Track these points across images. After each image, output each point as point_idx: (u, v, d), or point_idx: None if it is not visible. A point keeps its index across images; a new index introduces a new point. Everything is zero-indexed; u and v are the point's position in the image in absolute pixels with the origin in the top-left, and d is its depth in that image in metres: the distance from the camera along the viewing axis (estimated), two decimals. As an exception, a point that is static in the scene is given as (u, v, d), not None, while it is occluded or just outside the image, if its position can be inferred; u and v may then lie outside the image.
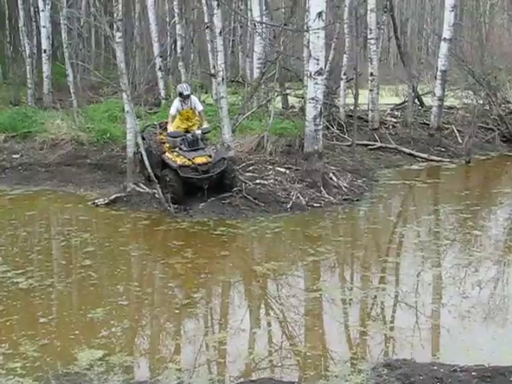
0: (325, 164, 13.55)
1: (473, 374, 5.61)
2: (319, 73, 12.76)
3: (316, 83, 12.76)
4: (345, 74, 19.37)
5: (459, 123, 19.21)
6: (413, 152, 17.41)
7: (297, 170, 13.37)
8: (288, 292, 8.11)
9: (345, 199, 12.60)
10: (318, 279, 8.63)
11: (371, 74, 19.14)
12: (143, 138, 12.54)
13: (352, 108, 17.84)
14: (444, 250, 9.83)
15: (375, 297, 7.91)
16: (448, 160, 17.23)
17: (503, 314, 7.37)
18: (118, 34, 12.17)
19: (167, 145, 12.39)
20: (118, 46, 12.04)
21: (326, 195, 12.51)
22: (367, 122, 19.21)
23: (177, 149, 12.06)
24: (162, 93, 21.30)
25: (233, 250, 9.95)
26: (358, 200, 12.73)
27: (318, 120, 12.89)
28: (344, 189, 13.07)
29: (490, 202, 13.40)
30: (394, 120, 19.96)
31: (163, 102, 20.55)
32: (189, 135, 12.14)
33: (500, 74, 20.06)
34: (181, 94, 12.24)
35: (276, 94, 18.05)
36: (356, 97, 17.22)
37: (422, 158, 17.23)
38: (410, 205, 13.54)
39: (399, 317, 7.32)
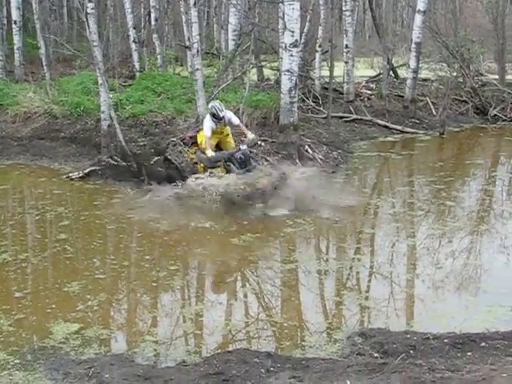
0: (300, 136, 13.57)
1: (445, 341, 5.72)
2: (294, 45, 12.72)
3: (291, 55, 12.72)
4: (320, 46, 19.29)
5: (433, 95, 19.26)
6: (388, 124, 17.48)
7: (272, 142, 13.37)
8: (264, 264, 8.14)
9: (324, 170, 12.66)
10: (294, 251, 8.69)
11: (346, 47, 19.09)
12: (167, 160, 11.47)
13: (327, 80, 17.80)
14: (418, 221, 9.94)
15: (351, 268, 7.99)
16: (422, 132, 17.34)
17: (475, 283, 7.50)
18: (90, 5, 12.01)
19: (201, 165, 11.09)
20: (90, 17, 11.89)
21: (302, 167, 12.53)
22: (342, 94, 19.19)
23: (217, 170, 10.67)
24: (137, 65, 21.02)
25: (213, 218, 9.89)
26: (333, 172, 12.78)
27: (293, 92, 12.87)
28: (319, 161, 13.12)
29: (464, 173, 13.55)
30: (369, 92, 19.96)
31: (137, 74, 20.32)
32: (238, 154, 10.53)
33: (473, 46, 20.09)
34: (215, 116, 10.67)
35: (251, 66, 17.92)
36: (331, 69, 17.19)
37: (396, 129, 17.30)
38: (384, 176, 13.64)
39: (374, 287, 7.41)
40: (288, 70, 12.77)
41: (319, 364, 5.26)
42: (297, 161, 12.64)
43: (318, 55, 19.25)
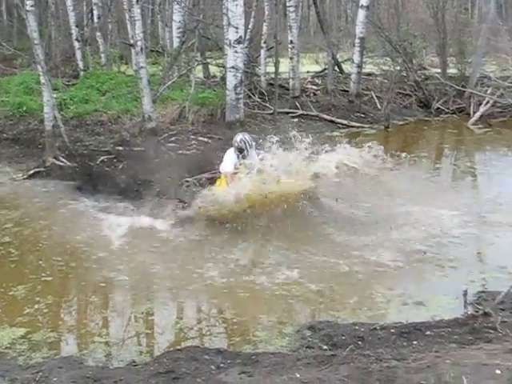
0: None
1: (392, 331, 5.84)
2: (239, 41, 12.77)
3: (236, 52, 12.77)
4: (265, 43, 19.35)
5: (378, 89, 19.50)
6: (333, 119, 17.63)
7: (219, 139, 13.38)
8: (213, 258, 8.14)
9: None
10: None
11: (291, 42, 19.19)
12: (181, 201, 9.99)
13: (273, 76, 17.87)
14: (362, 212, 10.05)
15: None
16: (368, 126, 17.55)
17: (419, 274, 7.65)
18: (30, 2, 11.77)
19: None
20: (30, 14, 11.66)
21: (249, 163, 12.57)
22: (288, 90, 19.28)
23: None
24: (80, 64, 20.71)
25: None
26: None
27: (238, 89, 12.92)
28: (267, 157, 13.15)
29: (409, 165, 13.74)
30: (315, 87, 20.11)
31: (81, 73, 20.04)
32: None
33: (415, 40, 20.43)
34: (241, 151, 9.43)
35: (196, 63, 17.91)
36: (276, 65, 17.26)
37: (342, 124, 17.47)
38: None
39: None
40: (233, 67, 12.83)
41: (269, 358, 5.30)
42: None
43: (263, 51, 19.31)
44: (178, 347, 5.72)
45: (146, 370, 5.11)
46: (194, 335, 6.25)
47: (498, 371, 4.45)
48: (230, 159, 9.49)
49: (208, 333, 6.30)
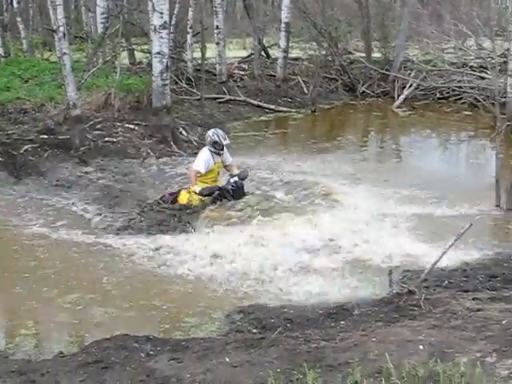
0: (174, 119, 13.52)
1: (320, 312, 5.93)
2: (164, 26, 12.61)
3: (161, 37, 12.61)
4: (191, 28, 19.22)
5: (304, 74, 19.65)
6: (261, 104, 17.71)
7: (146, 125, 13.23)
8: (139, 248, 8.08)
9: (195, 153, 12.65)
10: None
11: (217, 28, 19.11)
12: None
13: (200, 62, 17.78)
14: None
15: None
16: (295, 110, 17.70)
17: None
18: None
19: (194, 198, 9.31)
20: None
21: (177, 150, 12.52)
22: (215, 75, 19.23)
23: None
24: (0, 50, 20.13)
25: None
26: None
27: (164, 75, 12.78)
28: (194, 142, 13.13)
29: (336, 148, 13.95)
30: (242, 73, 20.13)
31: (2, 60, 19.43)
32: (230, 183, 9.16)
33: (340, 25, 20.70)
34: (215, 145, 9.12)
35: (121, 49, 17.61)
36: (203, 50, 17.18)
37: (270, 109, 17.57)
38: (257, 157, 13.69)
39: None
40: (159, 53, 12.66)
41: (198, 344, 5.29)
42: (171, 143, 12.59)
43: (189, 37, 19.18)
44: (107, 336, 5.65)
45: (73, 360, 5.03)
46: (124, 323, 6.17)
47: (421, 347, 4.58)
48: (202, 157, 9.16)
49: (138, 320, 6.24)
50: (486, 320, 5.10)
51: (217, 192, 8.91)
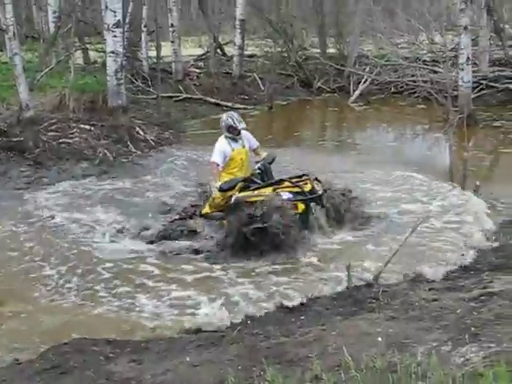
0: (130, 118, 13.42)
1: (280, 308, 5.96)
2: (117, 25, 12.52)
3: (115, 36, 12.52)
4: (145, 26, 19.10)
5: (260, 71, 19.70)
6: (218, 101, 17.69)
7: (102, 126, 13.08)
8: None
9: (152, 151, 12.63)
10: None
11: (172, 26, 19.03)
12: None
13: (155, 60, 17.66)
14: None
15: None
16: (252, 107, 17.72)
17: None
18: None
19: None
20: None
21: (134, 149, 12.43)
22: (171, 73, 19.15)
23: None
24: (-51, 51, 19.66)
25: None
26: (165, 152, 12.80)
27: (119, 74, 12.68)
28: (151, 142, 13.05)
29: (293, 144, 14.00)
30: (198, 71, 20.10)
31: None
32: (256, 169, 8.36)
33: (295, 21, 20.79)
34: (230, 129, 8.26)
35: (75, 48, 17.39)
36: (158, 49, 17.07)
37: (227, 106, 17.48)
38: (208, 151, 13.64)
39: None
40: (113, 52, 12.57)
41: (158, 345, 5.27)
42: (128, 143, 12.49)
43: (143, 35, 19.06)
44: (65, 341, 5.58)
45: (30, 367, 4.94)
46: (82, 327, 6.11)
47: (380, 339, 4.62)
48: (217, 148, 8.26)
49: (95, 322, 6.18)
50: (442, 310, 5.18)
51: (240, 183, 8.03)
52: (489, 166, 11.94)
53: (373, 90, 18.92)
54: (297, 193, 7.86)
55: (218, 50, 21.66)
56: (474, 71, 15.89)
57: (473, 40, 16.60)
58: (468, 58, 14.66)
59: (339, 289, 6.40)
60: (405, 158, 12.84)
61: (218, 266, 7.39)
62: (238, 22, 18.99)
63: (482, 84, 16.98)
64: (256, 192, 7.84)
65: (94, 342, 5.32)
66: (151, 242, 8.17)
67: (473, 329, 4.68)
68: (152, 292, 6.84)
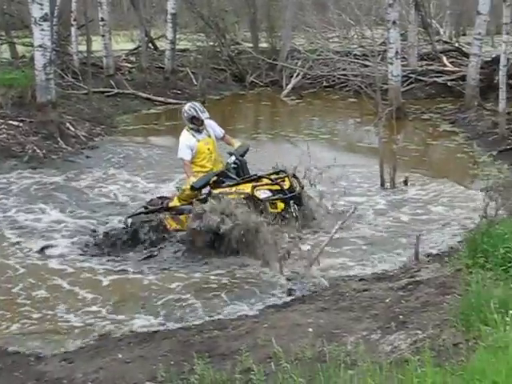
0: (60, 114, 13.13)
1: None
2: (44, 18, 12.23)
3: (42, 30, 12.23)
4: (75, 20, 18.74)
5: (193, 65, 19.57)
6: (150, 96, 17.50)
7: (31, 122, 12.77)
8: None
9: (83, 148, 12.42)
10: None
11: (102, 20, 18.72)
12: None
13: (86, 55, 17.35)
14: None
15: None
16: (184, 102, 17.39)
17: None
18: None
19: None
20: None
21: (64, 145, 12.20)
22: (102, 68, 18.85)
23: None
24: None
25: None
26: (97, 147, 12.62)
27: (48, 69, 12.40)
28: (82, 138, 12.85)
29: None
30: (130, 65, 19.86)
31: None
32: (231, 164, 7.84)
33: (227, 16, 20.80)
34: (194, 120, 7.82)
35: (1, 42, 16.94)
36: (88, 43, 16.79)
37: (159, 101, 17.40)
38: (147, 149, 13.49)
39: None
40: (41, 46, 12.28)
41: (91, 342, 5.22)
42: (58, 139, 12.25)
43: (73, 29, 18.69)
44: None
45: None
46: (12, 326, 5.97)
47: (311, 329, 4.71)
48: (181, 143, 7.90)
49: (28, 322, 6.05)
50: (372, 299, 5.31)
51: (214, 179, 7.61)
52: (418, 157, 12.20)
53: (305, 84, 19.07)
54: (276, 191, 7.48)
55: (150, 45, 21.41)
56: (403, 65, 16.21)
57: (401, 35, 16.94)
58: (397, 52, 14.96)
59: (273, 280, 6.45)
60: (338, 150, 13.00)
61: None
62: (169, 16, 18.83)
63: (410, 78, 17.32)
64: (234, 189, 7.43)
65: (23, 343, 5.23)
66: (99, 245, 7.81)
67: (401, 317, 4.82)
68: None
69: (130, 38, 25.44)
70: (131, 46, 22.84)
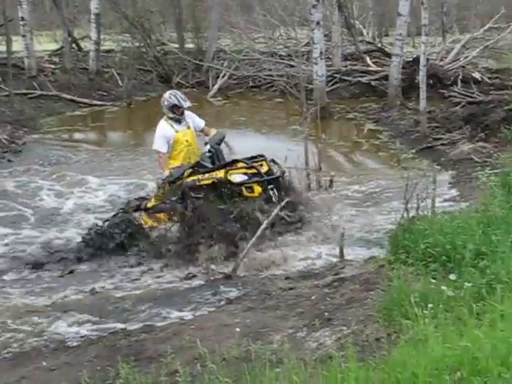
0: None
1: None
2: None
3: (-41, 30, 11.85)
4: (-7, 20, 18.20)
5: (118, 66, 19.30)
6: (75, 98, 17.18)
7: None
8: None
9: (5, 151, 12.11)
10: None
11: (22, 19, 18.24)
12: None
13: (6, 56, 16.87)
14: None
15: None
16: (110, 103, 17.38)
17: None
18: None
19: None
20: None
21: (-16, 150, 11.90)
22: (24, 69, 18.38)
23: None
24: None
25: None
26: (20, 151, 12.34)
27: (-34, 70, 12.04)
28: (4, 141, 12.53)
29: (152, 139, 13.87)
30: (53, 66, 19.41)
31: None
32: (206, 152, 7.52)
33: (152, 16, 20.61)
34: (174, 109, 7.51)
35: None
36: (8, 44, 16.34)
37: (84, 103, 17.11)
38: (71, 151, 13.23)
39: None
40: (-43, 47, 11.90)
41: (11, 350, 5.10)
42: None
43: (-8, 29, 18.15)
44: None
45: None
46: None
47: (238, 329, 4.73)
48: (157, 133, 7.57)
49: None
50: (298, 297, 5.37)
51: (188, 171, 7.27)
52: (343, 156, 12.41)
53: (231, 85, 19.09)
54: (253, 174, 7.14)
55: (74, 45, 21.01)
56: (327, 65, 16.45)
57: (325, 35, 17.19)
58: (321, 52, 15.17)
59: (199, 283, 6.45)
60: (265, 150, 13.06)
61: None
62: (93, 16, 18.56)
63: (335, 78, 17.59)
64: (207, 175, 7.12)
65: None
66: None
67: (326, 314, 4.90)
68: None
69: (53, 38, 24.86)
70: (54, 46, 22.32)
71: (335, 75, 17.66)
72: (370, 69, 18.31)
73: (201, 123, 7.86)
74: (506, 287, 4.27)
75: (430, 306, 4.03)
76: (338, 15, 18.23)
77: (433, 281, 4.70)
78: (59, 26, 21.99)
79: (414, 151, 10.94)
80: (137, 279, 6.76)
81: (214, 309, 5.54)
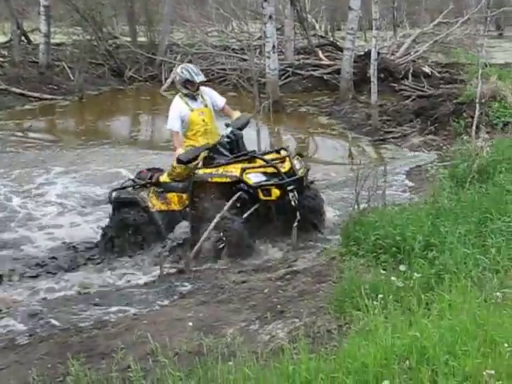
0: None
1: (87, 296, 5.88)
2: None
3: None
4: None
5: (69, 60, 19.04)
6: (24, 92, 16.91)
7: None
8: None
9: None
10: None
11: (-31, 11, 17.89)
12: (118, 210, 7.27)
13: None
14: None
15: None
16: (61, 97, 17.16)
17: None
18: None
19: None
20: None
21: None
22: (-29, 63, 18.02)
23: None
24: None
25: None
26: None
27: None
28: None
29: (104, 134, 13.79)
30: (2, 59, 19.07)
31: None
32: (225, 136, 6.80)
33: (104, 9, 20.37)
34: (187, 84, 6.82)
35: None
36: (-46, 36, 16.00)
37: (34, 97, 16.87)
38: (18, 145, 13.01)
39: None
40: None
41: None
42: None
43: None
44: None
45: None
46: None
47: (190, 323, 4.72)
48: (171, 112, 6.90)
49: None
50: (250, 291, 5.39)
51: (204, 153, 6.59)
52: (297, 148, 12.49)
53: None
54: (271, 174, 6.48)
55: (23, 38, 20.66)
56: (280, 59, 16.49)
57: (278, 29, 17.26)
58: (274, 46, 15.19)
59: (151, 278, 6.42)
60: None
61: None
62: (42, 9, 18.26)
63: (288, 71, 17.67)
64: (221, 170, 6.47)
65: None
66: None
67: (279, 306, 4.93)
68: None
69: (1, 30, 24.37)
70: (3, 39, 21.89)
71: (288, 69, 17.74)
72: (322, 63, 18.45)
73: (220, 102, 7.15)
74: (453, 277, 4.35)
75: (381, 296, 4.08)
76: (290, 9, 18.29)
77: (383, 272, 4.76)
78: (7, 18, 21.55)
79: (365, 144, 11.08)
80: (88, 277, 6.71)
81: (166, 303, 5.52)
